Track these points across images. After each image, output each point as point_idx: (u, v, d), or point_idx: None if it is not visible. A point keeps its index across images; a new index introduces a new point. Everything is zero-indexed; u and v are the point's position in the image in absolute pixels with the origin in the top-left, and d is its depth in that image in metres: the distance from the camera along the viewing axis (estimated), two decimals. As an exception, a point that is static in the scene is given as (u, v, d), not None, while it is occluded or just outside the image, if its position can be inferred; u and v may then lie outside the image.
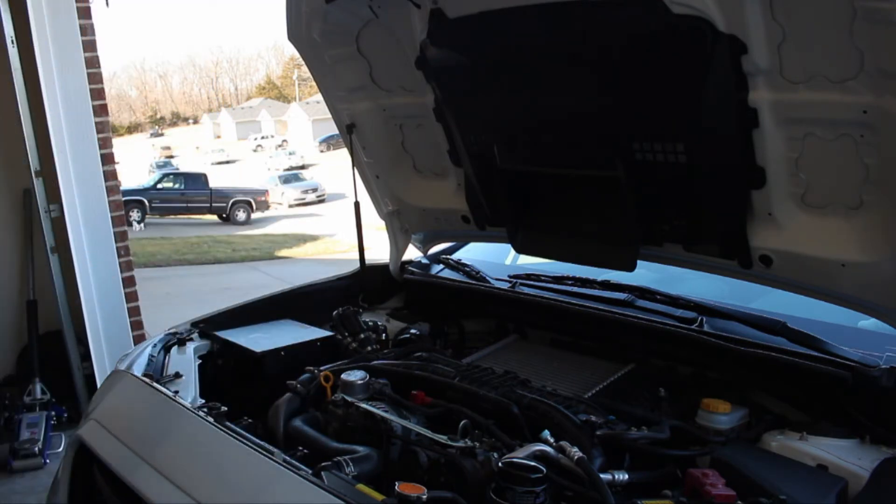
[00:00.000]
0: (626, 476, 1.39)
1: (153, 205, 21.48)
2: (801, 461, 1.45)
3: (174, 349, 2.10)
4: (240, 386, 2.09)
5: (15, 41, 3.76)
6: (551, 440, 1.42)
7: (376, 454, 1.51)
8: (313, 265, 12.31)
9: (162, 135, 69.90)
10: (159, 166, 32.07)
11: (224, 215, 21.94)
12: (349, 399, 1.69)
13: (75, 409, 4.08)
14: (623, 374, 1.90)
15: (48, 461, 3.64)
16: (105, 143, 4.05)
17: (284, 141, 52.53)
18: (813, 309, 1.83)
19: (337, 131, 2.49)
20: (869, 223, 1.57)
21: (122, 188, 4.88)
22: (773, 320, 1.77)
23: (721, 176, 1.73)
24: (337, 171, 27.64)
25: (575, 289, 2.21)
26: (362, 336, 2.24)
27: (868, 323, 1.83)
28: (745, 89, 1.55)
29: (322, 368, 1.90)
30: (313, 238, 16.77)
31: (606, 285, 2.19)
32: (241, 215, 21.80)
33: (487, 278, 2.43)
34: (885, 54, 1.32)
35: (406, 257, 2.70)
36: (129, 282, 4.23)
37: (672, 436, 1.53)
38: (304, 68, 3.02)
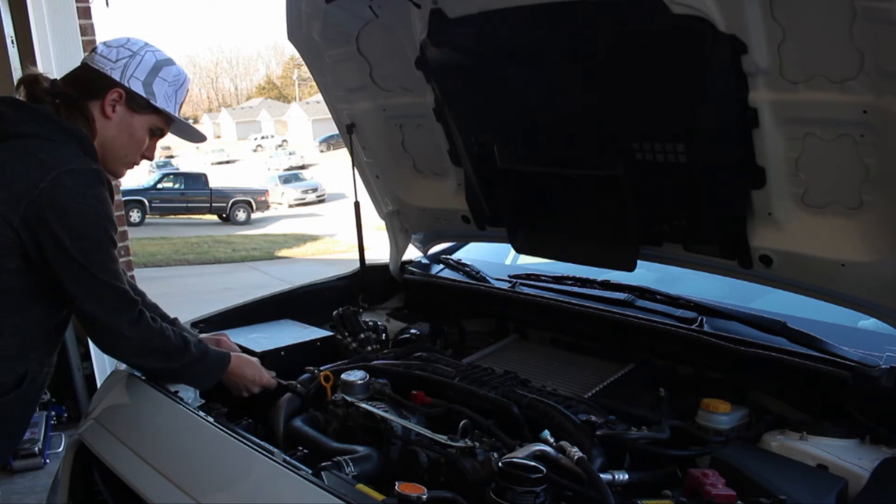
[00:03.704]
0: (626, 476, 1.39)
1: (153, 205, 21.46)
2: (801, 461, 1.44)
3: (174, 349, 2.10)
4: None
5: (15, 41, 3.76)
6: (551, 440, 1.42)
7: (376, 454, 1.51)
8: (313, 265, 12.30)
9: (162, 135, 69.65)
10: (159, 166, 32.01)
11: (224, 215, 21.93)
12: (349, 399, 1.69)
13: (75, 409, 4.08)
14: (623, 374, 1.90)
15: (48, 461, 3.64)
16: (105, 143, 4.05)
17: (284, 141, 52.53)
18: (813, 309, 1.83)
19: (337, 131, 2.49)
20: (869, 223, 1.57)
21: (122, 188, 4.88)
22: (773, 320, 1.77)
23: (721, 176, 1.73)
24: (337, 171, 27.65)
25: (575, 289, 2.21)
26: (362, 336, 2.24)
27: (868, 323, 1.83)
28: (745, 89, 1.54)
29: (322, 368, 1.90)
30: (313, 238, 16.76)
31: (606, 285, 2.19)
32: (241, 215, 21.79)
33: (487, 278, 2.42)
34: (885, 54, 1.32)
35: (406, 257, 2.70)
36: (129, 282, 4.22)
37: (672, 436, 1.54)
38: (304, 68, 3.02)
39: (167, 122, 1.79)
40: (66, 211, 1.54)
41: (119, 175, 1.82)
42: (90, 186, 1.58)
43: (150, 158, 1.85)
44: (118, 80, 1.69)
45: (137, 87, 1.70)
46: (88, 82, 1.70)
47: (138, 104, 1.72)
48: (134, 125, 1.73)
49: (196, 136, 1.92)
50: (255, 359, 1.91)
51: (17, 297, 1.59)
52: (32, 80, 1.70)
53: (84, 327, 1.65)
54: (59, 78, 1.77)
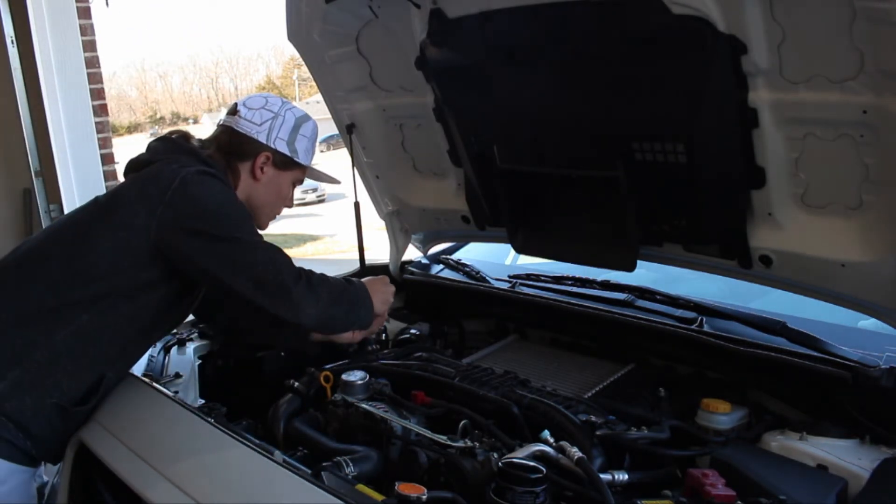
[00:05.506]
0: (626, 476, 1.38)
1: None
2: (801, 461, 1.45)
3: (174, 349, 2.10)
4: (239, 386, 2.09)
5: (15, 41, 3.75)
6: (551, 440, 1.42)
7: (376, 454, 1.51)
8: (313, 265, 12.22)
9: (162, 135, 69.67)
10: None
11: (224, 215, 21.89)
12: (349, 399, 1.69)
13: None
14: (623, 374, 1.90)
15: (48, 461, 3.62)
16: (105, 143, 4.04)
17: (284, 141, 52.36)
18: (813, 309, 1.83)
19: (337, 131, 2.49)
20: (869, 223, 1.57)
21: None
22: (773, 320, 1.77)
23: (721, 176, 1.73)
24: (337, 171, 27.51)
25: (575, 289, 2.21)
26: (362, 336, 2.24)
27: (868, 323, 1.83)
28: (745, 89, 1.54)
29: (322, 368, 1.90)
30: (313, 238, 16.75)
31: (606, 285, 2.19)
32: (241, 215, 21.73)
33: (487, 278, 2.42)
34: (885, 54, 1.32)
35: (406, 257, 2.70)
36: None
37: (672, 436, 1.54)
38: (304, 68, 3.01)
39: (305, 172, 1.90)
40: (199, 199, 1.60)
41: (264, 227, 1.91)
42: (215, 178, 1.66)
43: (290, 206, 1.95)
44: (265, 142, 1.79)
45: (283, 148, 1.81)
46: (237, 146, 1.79)
47: (284, 163, 1.82)
48: (281, 182, 1.85)
49: (330, 180, 2.08)
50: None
51: (136, 303, 1.63)
52: (183, 137, 1.80)
53: (260, 304, 1.59)
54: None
